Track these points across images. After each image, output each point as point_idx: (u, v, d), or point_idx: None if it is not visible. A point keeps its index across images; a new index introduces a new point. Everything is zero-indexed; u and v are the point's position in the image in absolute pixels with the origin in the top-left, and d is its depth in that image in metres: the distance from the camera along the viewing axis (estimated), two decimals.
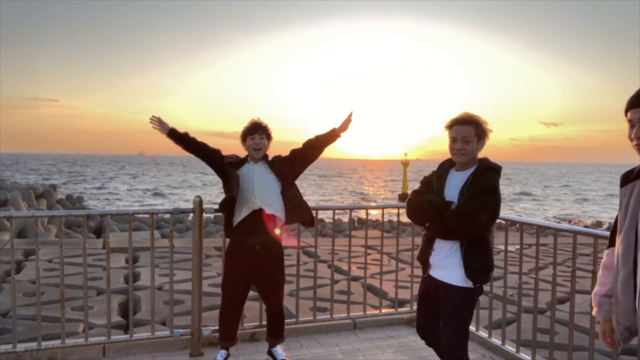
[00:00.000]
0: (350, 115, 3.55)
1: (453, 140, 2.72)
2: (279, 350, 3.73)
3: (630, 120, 1.83)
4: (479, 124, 2.71)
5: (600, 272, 2.09)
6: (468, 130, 2.69)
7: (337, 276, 5.79)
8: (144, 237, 9.92)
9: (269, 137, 3.55)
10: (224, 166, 3.50)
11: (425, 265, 2.83)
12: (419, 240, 3.08)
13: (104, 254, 7.23)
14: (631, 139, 1.83)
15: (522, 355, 3.75)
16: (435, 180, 2.83)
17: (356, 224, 21.62)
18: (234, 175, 3.41)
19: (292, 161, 3.54)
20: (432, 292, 2.84)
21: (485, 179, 2.66)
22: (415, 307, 3.28)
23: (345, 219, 20.46)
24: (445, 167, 2.84)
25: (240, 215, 3.41)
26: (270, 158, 3.57)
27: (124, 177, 75.79)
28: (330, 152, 3.71)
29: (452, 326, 2.74)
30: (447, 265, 2.70)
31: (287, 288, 3.92)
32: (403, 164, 46.03)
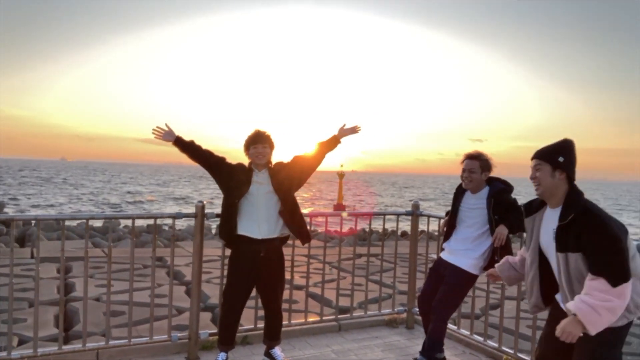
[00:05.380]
0: (356, 128, 3.75)
1: (463, 170, 3.58)
2: (277, 351, 3.81)
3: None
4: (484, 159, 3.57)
5: (516, 252, 3.00)
6: (474, 163, 3.54)
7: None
8: (75, 246, 9.34)
9: (271, 146, 3.63)
10: (234, 182, 3.53)
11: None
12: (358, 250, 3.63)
13: (32, 264, 6.76)
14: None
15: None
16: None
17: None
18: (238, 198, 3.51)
19: (293, 170, 3.64)
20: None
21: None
22: (389, 310, 4.80)
23: None
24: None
25: (247, 231, 3.50)
26: (272, 164, 3.66)
27: (56, 183, 70.58)
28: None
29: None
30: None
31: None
32: (339, 175, 46.51)
